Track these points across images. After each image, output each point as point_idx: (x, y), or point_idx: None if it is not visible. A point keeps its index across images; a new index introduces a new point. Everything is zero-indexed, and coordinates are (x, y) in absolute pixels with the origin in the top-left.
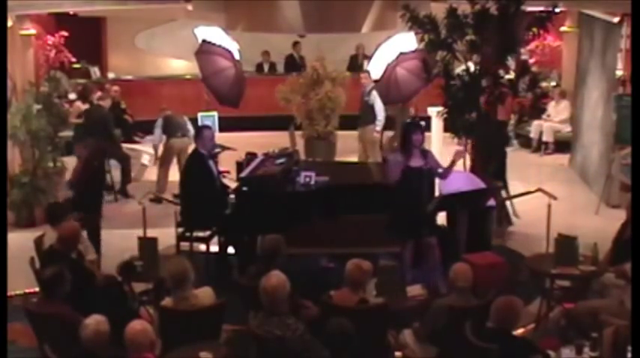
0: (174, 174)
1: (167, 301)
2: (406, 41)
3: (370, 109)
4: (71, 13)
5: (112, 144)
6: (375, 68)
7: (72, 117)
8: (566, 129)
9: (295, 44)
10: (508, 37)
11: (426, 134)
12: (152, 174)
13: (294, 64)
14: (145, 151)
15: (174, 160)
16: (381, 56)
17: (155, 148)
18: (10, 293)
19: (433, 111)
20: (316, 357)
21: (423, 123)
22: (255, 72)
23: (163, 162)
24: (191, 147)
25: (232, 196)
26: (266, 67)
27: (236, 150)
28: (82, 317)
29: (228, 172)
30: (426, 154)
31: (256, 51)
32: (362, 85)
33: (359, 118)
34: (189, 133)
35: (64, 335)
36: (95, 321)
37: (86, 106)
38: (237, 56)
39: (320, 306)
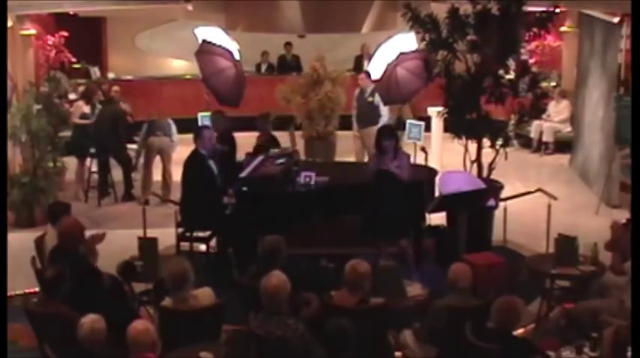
0: (157, 174)
1: (166, 301)
2: (406, 41)
3: (374, 110)
4: (71, 13)
5: (118, 144)
6: (375, 68)
7: (74, 117)
8: (567, 129)
9: (287, 45)
10: (509, 37)
11: (426, 134)
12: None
13: (285, 64)
14: None
15: (157, 160)
16: (381, 56)
17: (138, 153)
18: (10, 293)
19: (433, 111)
20: (316, 357)
21: (421, 122)
22: (255, 72)
23: (145, 162)
24: (172, 148)
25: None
26: (263, 67)
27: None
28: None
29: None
30: (396, 157)
31: (256, 51)
32: (360, 86)
33: (358, 119)
34: (171, 134)
35: (64, 335)
36: (91, 320)
37: (88, 107)
38: (237, 56)
39: (320, 306)
